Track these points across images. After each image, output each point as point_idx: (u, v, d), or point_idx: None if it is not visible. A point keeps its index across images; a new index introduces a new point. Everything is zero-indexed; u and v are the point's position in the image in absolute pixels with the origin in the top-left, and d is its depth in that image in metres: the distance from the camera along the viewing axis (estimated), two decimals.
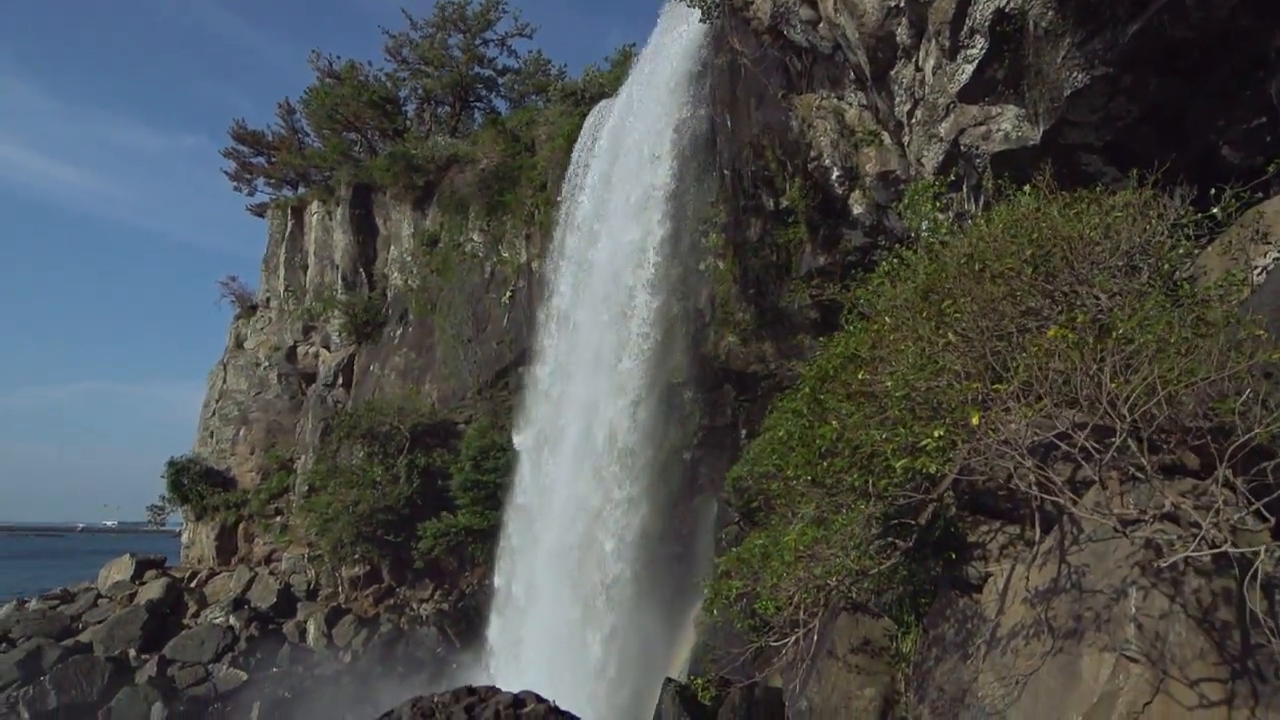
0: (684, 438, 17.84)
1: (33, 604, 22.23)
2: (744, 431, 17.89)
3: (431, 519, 21.19)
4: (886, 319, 5.31)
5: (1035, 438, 3.89)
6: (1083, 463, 3.76)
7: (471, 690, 2.75)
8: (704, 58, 17.14)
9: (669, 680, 9.42)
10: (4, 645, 19.97)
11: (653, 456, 16.68)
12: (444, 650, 20.56)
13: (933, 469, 4.31)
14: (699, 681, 8.30)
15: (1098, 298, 4.43)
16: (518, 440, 20.47)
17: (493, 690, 2.77)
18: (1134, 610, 4.16)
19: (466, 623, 20.82)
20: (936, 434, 4.13)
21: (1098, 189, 6.79)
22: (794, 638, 6.32)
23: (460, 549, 21.45)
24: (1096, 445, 3.60)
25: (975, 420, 3.91)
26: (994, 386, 4.03)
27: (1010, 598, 5.19)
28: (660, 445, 17.04)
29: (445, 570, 22.13)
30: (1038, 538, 4.75)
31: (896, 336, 4.98)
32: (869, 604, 6.93)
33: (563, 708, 6.26)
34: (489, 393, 22.77)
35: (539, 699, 2.77)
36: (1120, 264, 5.14)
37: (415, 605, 22.10)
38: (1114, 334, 3.71)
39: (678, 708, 9.10)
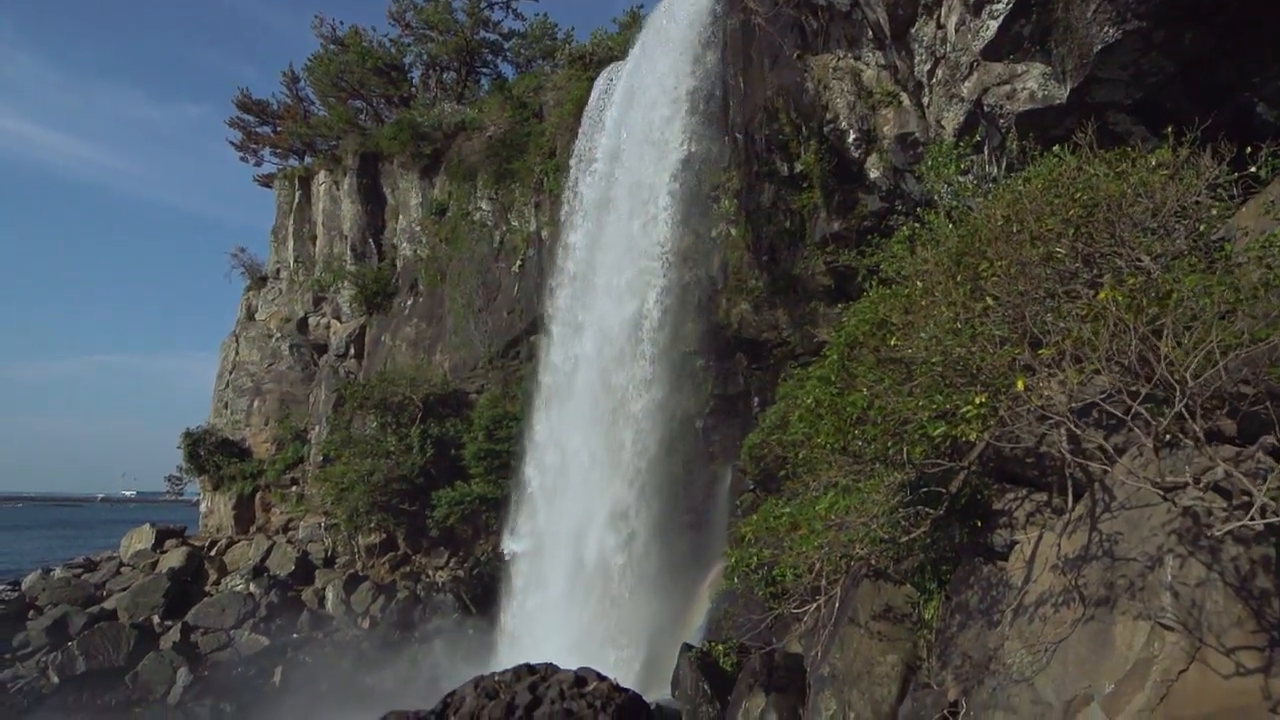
0: (696, 406, 17.74)
1: (57, 572, 22.66)
2: (756, 400, 17.79)
3: (445, 488, 21.36)
4: (918, 284, 5.19)
5: (1075, 404, 3.80)
6: (1135, 429, 3.67)
7: (531, 669, 2.73)
8: (715, 18, 16.46)
9: (687, 646, 9.52)
10: (31, 612, 20.42)
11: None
12: (460, 616, 20.88)
13: (972, 436, 4.22)
14: (720, 648, 8.35)
15: (1139, 260, 4.29)
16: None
17: (552, 668, 2.76)
18: (1170, 578, 4.11)
19: (482, 589, 21.10)
20: (978, 400, 4.04)
21: (1129, 148, 6.59)
22: (815, 604, 6.34)
23: (474, 517, 21.63)
24: (1147, 411, 3.50)
25: (1021, 386, 3.81)
26: (1039, 351, 3.92)
27: (1038, 565, 5.15)
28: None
29: (460, 538, 22.37)
30: (1070, 504, 4.68)
31: (928, 302, 4.88)
32: (889, 571, 6.92)
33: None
34: (500, 362, 22.76)
35: (600, 676, 2.76)
36: (1155, 225, 4.98)
37: (431, 572, 22.41)
38: (1173, 296, 3.58)
39: (696, 673, 9.20)
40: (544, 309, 20.07)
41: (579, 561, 15.38)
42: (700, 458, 17.37)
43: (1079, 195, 4.62)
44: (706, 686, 8.91)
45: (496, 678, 2.59)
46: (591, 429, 16.16)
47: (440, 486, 21.50)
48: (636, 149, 16.94)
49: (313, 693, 18.67)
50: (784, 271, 16.04)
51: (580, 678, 2.62)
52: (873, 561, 6.59)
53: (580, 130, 19.61)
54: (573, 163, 19.51)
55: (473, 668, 17.83)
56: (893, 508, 5.00)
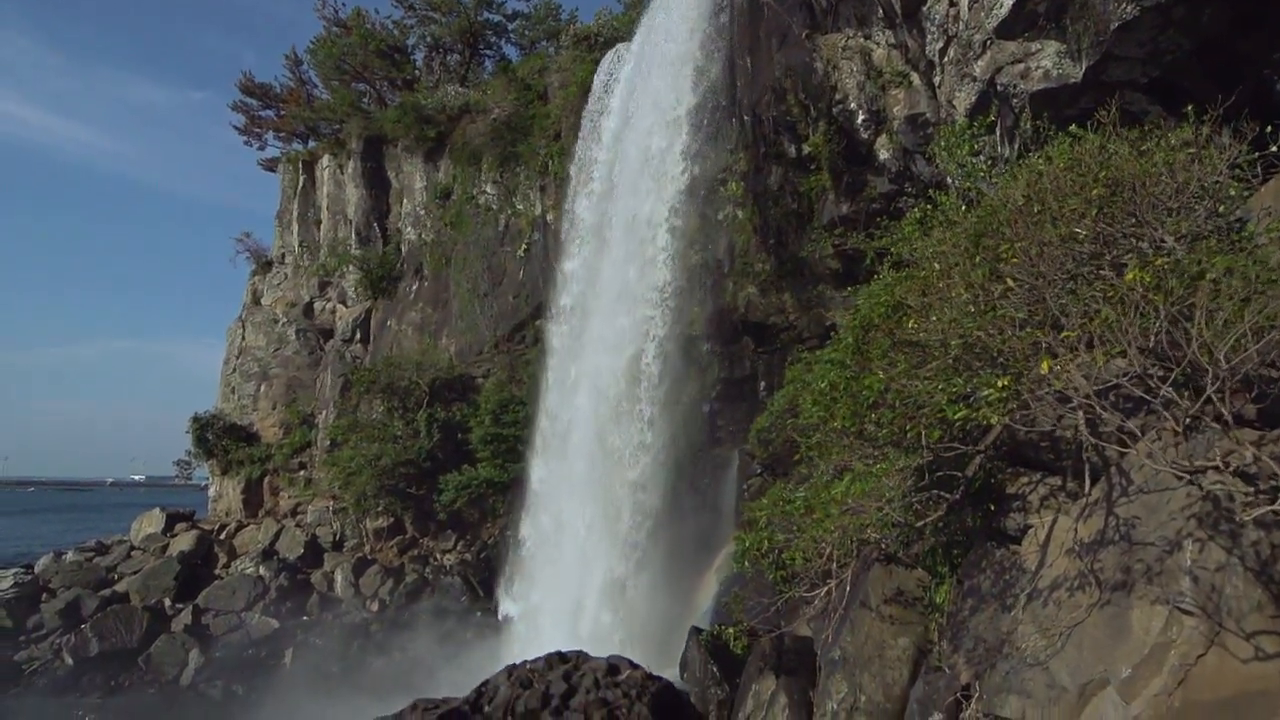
0: (702, 390, 17.66)
1: (69, 555, 22.86)
2: (763, 384, 17.72)
3: (453, 472, 21.43)
4: (935, 265, 5.12)
5: (1096, 387, 3.74)
6: (1160, 411, 3.62)
7: (563, 657, 2.72)
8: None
9: (696, 629, 9.55)
10: (45, 595, 20.64)
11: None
12: (468, 599, 21.02)
13: (994, 420, 4.18)
14: (731, 631, 8.39)
15: (1162, 241, 4.22)
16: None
17: (584, 656, 2.75)
18: (1189, 562, 4.08)
19: (490, 572, 21.23)
20: (1001, 384, 3.99)
21: (1144, 127, 6.48)
22: (826, 588, 6.33)
23: (481, 501, 21.72)
24: (1174, 393, 3.44)
25: (1045, 368, 3.77)
26: (1064, 334, 3.87)
27: (1053, 549, 5.12)
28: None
29: (467, 522, 22.48)
30: (1087, 488, 4.64)
31: (945, 284, 4.81)
32: (899, 555, 6.91)
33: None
34: (506, 347, 22.76)
35: (632, 664, 2.75)
36: (1176, 205, 4.89)
37: (439, 556, 22.54)
38: (1206, 276, 3.52)
39: (704, 655, 9.24)
40: (549, 298, 19.92)
41: (575, 635, 14.79)
42: (707, 442, 17.33)
43: (1102, 174, 4.53)
44: (715, 669, 8.95)
45: (529, 666, 2.57)
46: (587, 494, 15.52)
47: (447, 471, 21.57)
48: (632, 180, 16.17)
49: (323, 674, 18.85)
50: (791, 255, 15.93)
51: (613, 666, 2.59)
52: (883, 546, 6.58)
53: (579, 133, 18.90)
54: (572, 170, 18.87)
55: (482, 650, 18.01)
56: (908, 492, 4.97)
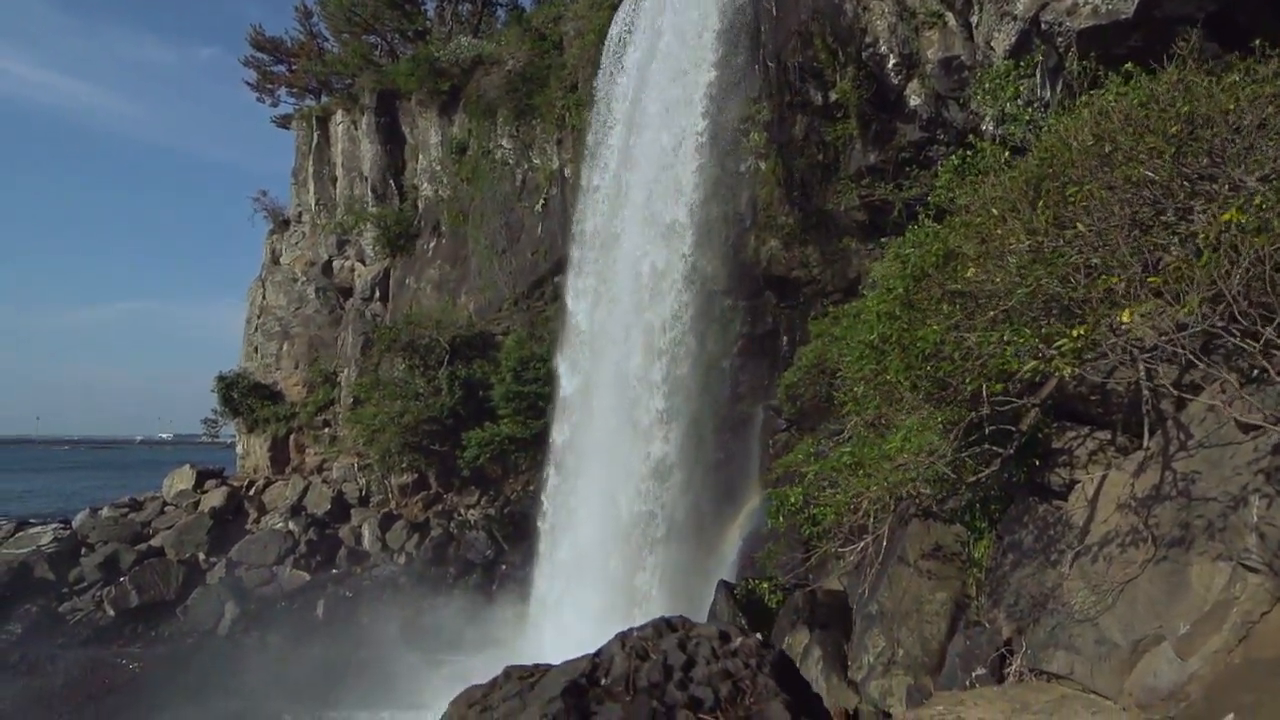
0: (723, 347, 17.51)
1: (105, 511, 23.41)
2: (785, 339, 17.52)
3: (475, 429, 21.56)
4: (992, 211, 4.89)
5: (1180, 335, 3.56)
6: (1264, 362, 3.44)
7: (670, 625, 2.68)
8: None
9: (725, 583, 9.61)
10: (84, 550, 21.24)
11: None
12: (493, 552, 21.39)
13: (1066, 371, 4.02)
14: (764, 585, 8.42)
15: (1242, 182, 3.97)
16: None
17: (689, 623, 2.71)
18: (1256, 519, 3.95)
19: (514, 526, 21.52)
20: (1076, 333, 3.82)
21: (1209, 65, 6.12)
22: (863, 543, 6.28)
23: (504, 457, 21.88)
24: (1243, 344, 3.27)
25: (1127, 318, 3.60)
26: (1150, 279, 3.68)
27: (1103, 505, 5.01)
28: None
29: (490, 477, 22.71)
30: (1145, 442, 4.50)
31: (1003, 231, 4.60)
32: (934, 510, 6.83)
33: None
34: (526, 303, 22.64)
35: (743, 631, 2.71)
36: (1250, 144, 4.61)
37: (463, 511, 22.86)
38: None
39: (733, 609, 9.31)
40: (568, 252, 19.76)
41: (607, 589, 15.34)
42: (729, 399, 17.23)
43: (1184, 110, 4.26)
44: (744, 623, 9.02)
45: (638, 635, 2.53)
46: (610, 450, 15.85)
47: (470, 427, 21.69)
48: (630, 275, 16.17)
49: (355, 625, 19.37)
50: (816, 207, 15.56)
51: (723, 633, 2.54)
52: (921, 501, 6.50)
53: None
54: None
55: (512, 603, 18.39)
56: (961, 446, 4.86)
